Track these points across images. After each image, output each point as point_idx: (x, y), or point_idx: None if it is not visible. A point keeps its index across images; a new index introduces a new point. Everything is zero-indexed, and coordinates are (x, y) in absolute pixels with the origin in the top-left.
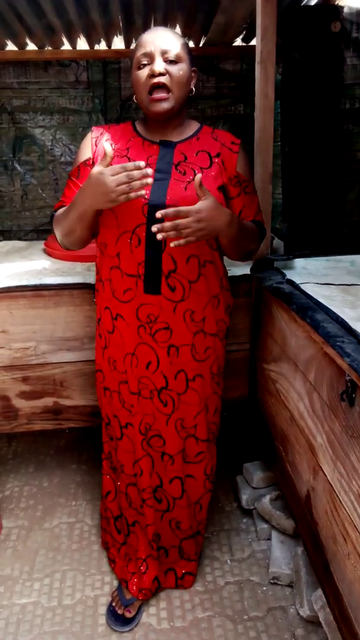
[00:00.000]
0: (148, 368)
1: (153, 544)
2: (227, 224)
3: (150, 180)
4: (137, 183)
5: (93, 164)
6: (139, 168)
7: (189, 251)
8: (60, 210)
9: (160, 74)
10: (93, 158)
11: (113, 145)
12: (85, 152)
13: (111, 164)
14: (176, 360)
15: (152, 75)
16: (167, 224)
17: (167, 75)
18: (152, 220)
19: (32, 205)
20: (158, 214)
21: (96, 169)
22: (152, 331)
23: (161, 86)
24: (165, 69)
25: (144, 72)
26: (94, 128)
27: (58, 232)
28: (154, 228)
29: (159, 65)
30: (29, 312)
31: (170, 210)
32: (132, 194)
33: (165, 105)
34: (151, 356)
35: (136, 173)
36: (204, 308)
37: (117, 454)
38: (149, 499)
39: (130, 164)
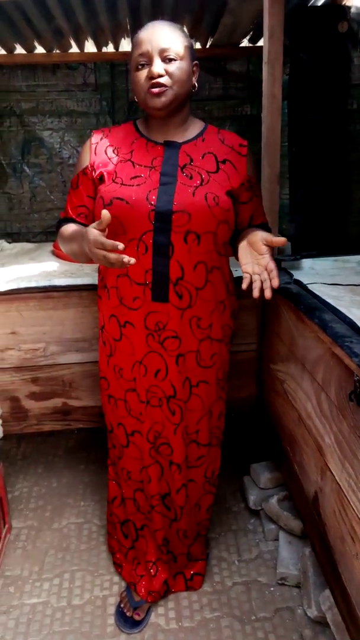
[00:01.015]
0: (157, 376)
1: (163, 548)
2: None
3: (133, 260)
4: (113, 262)
5: (91, 172)
6: (115, 249)
7: (196, 258)
8: (65, 230)
9: (160, 76)
10: (91, 166)
11: (116, 150)
12: (84, 160)
13: (116, 170)
14: (184, 369)
15: (151, 77)
16: (265, 274)
17: (166, 77)
18: (159, 227)
19: (41, 208)
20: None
21: (87, 231)
22: (161, 339)
23: (160, 85)
24: (165, 69)
25: (142, 74)
26: (94, 133)
27: (63, 249)
28: (259, 292)
29: (158, 67)
30: (38, 314)
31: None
32: (116, 266)
33: (163, 99)
34: (160, 364)
35: (112, 257)
36: (211, 314)
37: (122, 461)
38: (157, 505)
39: (109, 243)
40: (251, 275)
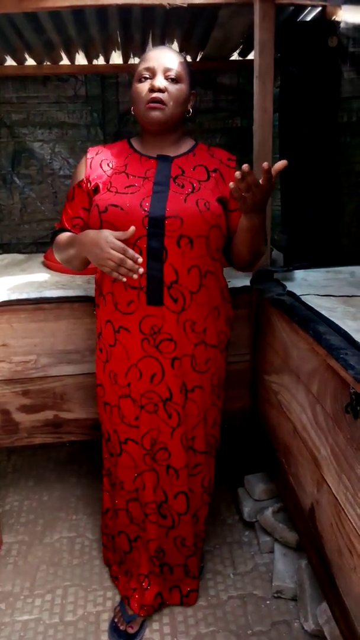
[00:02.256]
0: (152, 381)
1: (155, 560)
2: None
3: (136, 276)
4: (123, 270)
5: (86, 184)
6: (135, 261)
7: (190, 262)
8: (61, 237)
9: (160, 90)
10: (86, 179)
11: (110, 164)
12: (80, 174)
13: (110, 180)
14: (180, 372)
15: (152, 90)
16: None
17: (166, 93)
18: (153, 232)
19: (31, 219)
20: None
21: (107, 233)
22: (156, 342)
23: (158, 101)
24: (165, 87)
25: (144, 85)
26: (89, 149)
27: (57, 257)
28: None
29: (160, 82)
30: (29, 326)
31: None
32: (115, 274)
33: (160, 115)
34: (156, 368)
35: (129, 263)
36: (205, 319)
37: (116, 470)
38: (152, 514)
39: (131, 252)
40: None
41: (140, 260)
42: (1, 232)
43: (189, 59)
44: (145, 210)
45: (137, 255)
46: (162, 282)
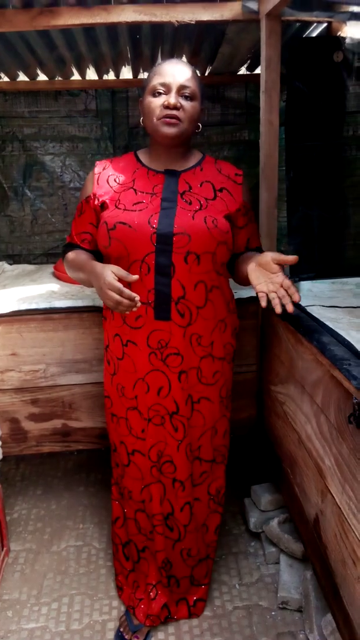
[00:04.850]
0: (159, 394)
1: (162, 571)
2: None
3: (136, 307)
4: (122, 308)
5: (94, 200)
6: (132, 299)
7: (196, 277)
8: (72, 257)
9: (175, 107)
10: (94, 195)
11: (118, 180)
12: (88, 189)
13: (118, 197)
14: (186, 385)
15: (167, 106)
16: (282, 291)
17: (181, 110)
18: (161, 248)
19: (42, 230)
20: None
21: (108, 272)
22: (163, 356)
23: (173, 118)
24: (180, 104)
25: (158, 100)
26: (97, 163)
27: (68, 272)
28: (281, 308)
29: (176, 99)
30: (39, 335)
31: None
32: (119, 309)
33: (174, 130)
34: (163, 382)
35: (125, 303)
36: (212, 332)
37: (124, 480)
38: (159, 525)
39: (127, 293)
40: (267, 294)
41: (137, 298)
42: (12, 243)
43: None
44: (153, 227)
45: (133, 294)
46: (170, 297)
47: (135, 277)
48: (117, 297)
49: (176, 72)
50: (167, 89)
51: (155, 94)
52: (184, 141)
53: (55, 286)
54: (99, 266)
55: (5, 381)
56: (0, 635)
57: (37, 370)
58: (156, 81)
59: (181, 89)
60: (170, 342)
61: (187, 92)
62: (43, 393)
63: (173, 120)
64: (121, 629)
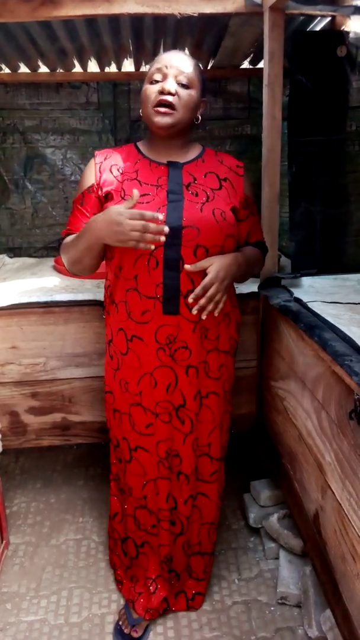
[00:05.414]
0: (167, 390)
1: (164, 566)
2: (238, 265)
3: (163, 238)
4: (149, 236)
5: (98, 190)
6: (156, 220)
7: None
8: (68, 239)
9: (170, 93)
10: (97, 185)
11: (120, 170)
12: (89, 178)
13: (123, 188)
14: (195, 380)
15: (162, 92)
16: (203, 300)
17: (176, 96)
18: (170, 242)
19: (43, 223)
20: (190, 299)
21: (116, 208)
22: (172, 352)
23: (167, 105)
24: (176, 90)
25: (154, 87)
26: (97, 153)
27: (66, 260)
28: (194, 311)
29: (171, 85)
30: (39, 329)
31: (198, 290)
32: (142, 245)
33: (167, 120)
34: (171, 378)
35: (152, 226)
36: (218, 326)
37: (125, 476)
38: (164, 520)
39: (149, 214)
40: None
41: (160, 217)
42: (13, 236)
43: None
44: (162, 220)
45: (156, 213)
46: (179, 291)
47: (136, 192)
48: (141, 222)
49: (173, 59)
50: (164, 76)
51: (153, 81)
52: (180, 131)
53: (55, 280)
54: (99, 215)
55: (5, 374)
56: None
57: (37, 363)
58: (153, 68)
59: (178, 75)
60: (178, 336)
61: (183, 79)
62: (43, 386)
63: (166, 110)
64: (120, 622)
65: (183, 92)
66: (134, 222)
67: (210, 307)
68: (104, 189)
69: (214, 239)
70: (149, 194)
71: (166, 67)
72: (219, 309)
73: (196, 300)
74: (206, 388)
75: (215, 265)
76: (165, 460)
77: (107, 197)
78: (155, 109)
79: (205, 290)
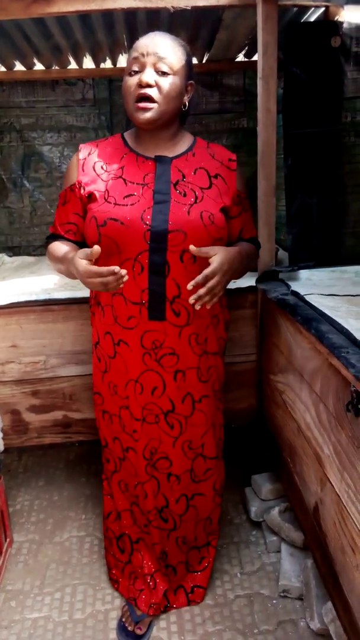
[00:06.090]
0: (153, 394)
1: (160, 561)
2: (240, 261)
3: (126, 277)
4: (112, 285)
5: (80, 189)
6: (113, 274)
7: (192, 275)
8: (53, 249)
9: (148, 85)
10: (79, 183)
11: (104, 167)
12: (72, 176)
13: (107, 189)
14: (183, 384)
15: (140, 85)
16: (202, 290)
17: (155, 88)
18: (155, 246)
19: (41, 221)
20: (190, 286)
21: (77, 261)
22: (158, 357)
23: (147, 98)
24: (155, 81)
25: (133, 80)
26: (81, 147)
27: (50, 265)
28: (191, 300)
29: (148, 76)
30: (39, 327)
31: (199, 278)
32: (109, 288)
33: (148, 115)
34: (157, 382)
35: (111, 279)
36: (206, 329)
37: (120, 473)
38: (154, 520)
39: (105, 270)
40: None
41: (117, 269)
42: (12, 234)
43: (195, 61)
44: (146, 224)
45: (111, 268)
46: (165, 297)
47: (97, 248)
48: (98, 280)
49: (150, 45)
50: (142, 66)
51: (131, 72)
52: (165, 123)
53: (54, 278)
54: (72, 257)
55: (5, 373)
56: (4, 625)
57: (37, 361)
58: (131, 57)
59: (157, 62)
60: (165, 342)
61: (163, 67)
62: (43, 385)
63: (146, 104)
64: (123, 619)
65: (163, 82)
66: (91, 280)
67: (207, 298)
68: (87, 189)
69: (201, 244)
70: (134, 194)
71: (143, 55)
72: (212, 303)
73: (195, 287)
74: (199, 392)
75: (219, 256)
76: (150, 460)
77: (91, 198)
78: (136, 104)
79: (206, 280)
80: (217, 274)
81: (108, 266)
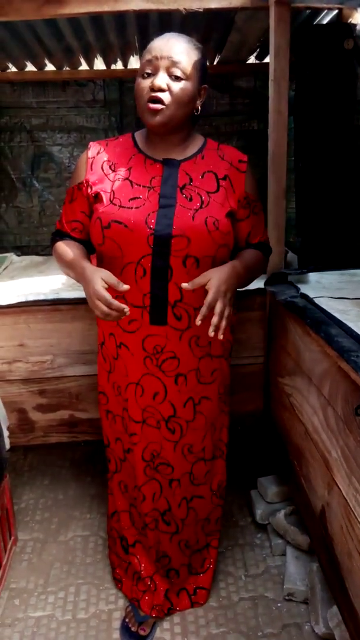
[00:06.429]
0: (155, 399)
1: (158, 564)
2: (237, 276)
3: (127, 312)
4: (110, 318)
5: (87, 188)
6: (121, 311)
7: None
8: (63, 250)
9: (160, 90)
10: (86, 182)
11: (113, 167)
12: (80, 174)
13: (113, 190)
14: (185, 388)
15: (152, 89)
16: (215, 319)
17: (167, 92)
18: (158, 250)
19: (50, 221)
20: (198, 321)
21: (97, 282)
22: (159, 362)
23: (158, 101)
24: (167, 85)
25: (145, 83)
26: (91, 144)
27: (56, 261)
28: (211, 333)
29: (161, 80)
30: (46, 326)
31: (204, 310)
32: (106, 319)
33: (158, 119)
34: (158, 387)
35: (114, 314)
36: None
37: (120, 474)
38: (151, 522)
39: (116, 304)
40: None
41: (126, 310)
42: (20, 234)
43: None
44: (150, 228)
45: (122, 306)
46: (167, 301)
47: (126, 287)
48: (105, 308)
49: (165, 48)
50: (155, 69)
51: (144, 75)
52: (175, 127)
53: (62, 278)
54: (88, 270)
55: (13, 372)
56: (7, 623)
57: (45, 361)
58: (145, 59)
59: (170, 66)
60: (166, 347)
61: (176, 71)
62: (50, 384)
63: (156, 106)
64: (127, 620)
65: (175, 86)
66: (99, 304)
67: (223, 323)
68: (94, 188)
69: (205, 250)
70: (139, 197)
71: (157, 57)
72: (228, 323)
73: (203, 321)
74: (198, 394)
75: (214, 281)
76: (151, 462)
77: (97, 198)
78: (147, 105)
79: (210, 308)
80: (218, 299)
81: (114, 263)
